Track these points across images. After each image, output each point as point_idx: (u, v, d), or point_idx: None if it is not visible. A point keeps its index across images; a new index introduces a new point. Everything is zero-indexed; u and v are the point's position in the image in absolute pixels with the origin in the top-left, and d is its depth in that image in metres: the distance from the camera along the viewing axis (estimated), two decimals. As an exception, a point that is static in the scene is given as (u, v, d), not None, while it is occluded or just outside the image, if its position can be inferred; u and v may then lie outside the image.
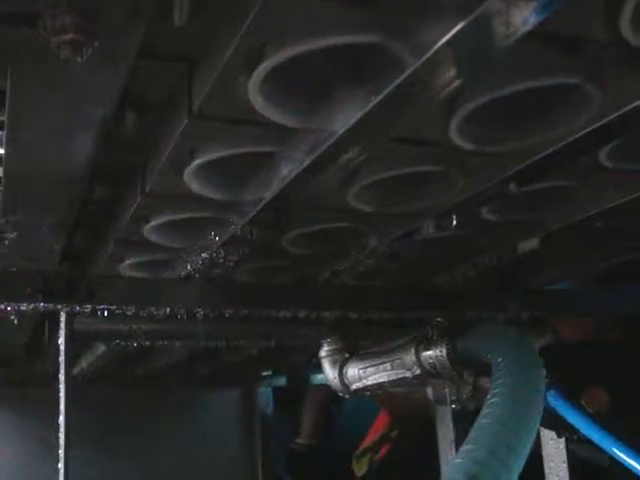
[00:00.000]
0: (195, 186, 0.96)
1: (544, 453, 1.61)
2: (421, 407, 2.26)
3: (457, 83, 0.70)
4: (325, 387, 3.01)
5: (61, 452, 1.30)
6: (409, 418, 2.70)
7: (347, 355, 1.50)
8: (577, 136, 0.84)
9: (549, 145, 0.87)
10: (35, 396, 2.51)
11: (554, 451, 1.65)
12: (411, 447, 2.72)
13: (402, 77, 0.69)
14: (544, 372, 1.03)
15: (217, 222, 1.08)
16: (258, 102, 0.74)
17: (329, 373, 1.53)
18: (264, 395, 3.15)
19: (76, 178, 1.00)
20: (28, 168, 0.96)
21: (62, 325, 1.29)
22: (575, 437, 1.26)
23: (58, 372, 1.35)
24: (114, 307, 1.26)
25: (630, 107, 0.76)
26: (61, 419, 1.30)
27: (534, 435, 0.92)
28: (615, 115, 0.79)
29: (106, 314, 1.27)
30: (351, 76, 0.74)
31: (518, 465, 0.86)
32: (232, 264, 1.18)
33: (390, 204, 1.08)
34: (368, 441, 2.96)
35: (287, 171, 0.89)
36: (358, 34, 0.66)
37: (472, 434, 0.90)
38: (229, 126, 0.80)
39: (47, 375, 2.03)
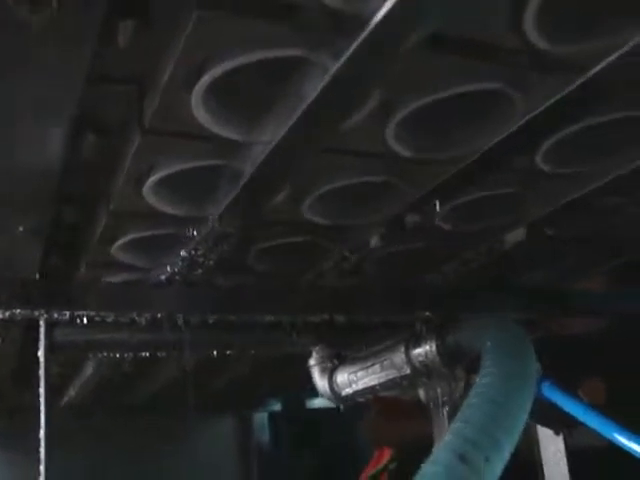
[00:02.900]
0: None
1: (543, 456, 1.56)
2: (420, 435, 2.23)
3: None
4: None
5: (42, 467, 1.25)
6: (409, 449, 2.66)
7: (336, 362, 1.47)
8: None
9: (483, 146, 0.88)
10: (22, 427, 2.45)
11: (552, 456, 1.61)
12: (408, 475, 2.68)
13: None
14: (535, 356, 0.99)
15: (193, 219, 1.05)
16: (202, 116, 0.78)
17: (318, 381, 1.49)
18: (259, 421, 3.08)
19: (50, 173, 0.98)
20: (3, 167, 0.94)
21: (42, 335, 1.25)
22: (573, 433, 1.21)
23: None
24: (93, 314, 1.22)
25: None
26: (41, 433, 1.25)
27: (526, 414, 0.88)
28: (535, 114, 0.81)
29: (85, 321, 1.23)
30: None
31: (510, 443, 0.82)
32: (212, 262, 1.15)
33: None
34: (368, 472, 2.92)
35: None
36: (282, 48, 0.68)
37: (462, 412, 0.87)
38: (179, 141, 0.84)
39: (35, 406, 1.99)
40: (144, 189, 0.95)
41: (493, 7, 0.66)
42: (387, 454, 2.91)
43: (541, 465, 1.60)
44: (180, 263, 1.17)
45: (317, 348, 1.50)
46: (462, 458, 0.77)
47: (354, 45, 0.64)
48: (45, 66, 0.75)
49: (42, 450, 1.25)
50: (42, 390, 1.29)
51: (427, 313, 1.28)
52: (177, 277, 1.23)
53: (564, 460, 1.45)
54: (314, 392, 2.60)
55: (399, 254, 1.25)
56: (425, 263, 1.34)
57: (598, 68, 0.74)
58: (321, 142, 0.84)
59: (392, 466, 2.88)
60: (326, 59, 0.68)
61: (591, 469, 1.52)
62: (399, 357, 1.26)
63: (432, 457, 0.80)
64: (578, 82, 0.77)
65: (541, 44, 0.70)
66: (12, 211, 1.07)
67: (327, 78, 0.69)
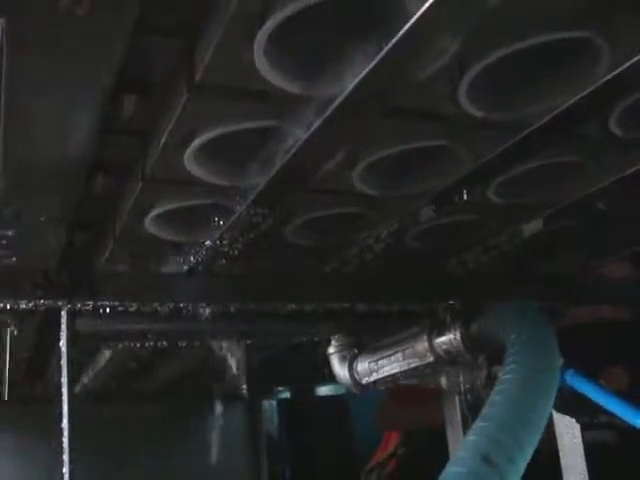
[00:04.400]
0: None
1: (560, 446, 1.56)
2: (430, 421, 2.24)
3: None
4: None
5: (65, 457, 1.25)
6: (418, 434, 2.67)
7: (356, 351, 1.47)
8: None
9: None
10: (36, 416, 2.46)
11: (569, 447, 1.61)
12: (418, 462, 2.70)
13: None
14: (558, 349, 0.99)
15: (220, 207, 1.05)
16: (195, 170, 0.93)
17: (338, 370, 1.49)
18: (269, 409, 3.09)
19: (76, 164, 0.98)
20: (27, 153, 0.94)
21: (63, 325, 1.25)
22: (595, 421, 1.22)
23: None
24: (116, 303, 1.22)
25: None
26: (64, 423, 1.25)
27: (550, 410, 0.89)
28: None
29: (108, 311, 1.23)
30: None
31: (533, 441, 0.83)
32: (237, 252, 1.15)
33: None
34: (377, 458, 2.93)
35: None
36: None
37: (485, 410, 0.87)
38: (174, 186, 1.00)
39: (48, 395, 1.99)
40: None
41: (433, 86, 0.81)
42: (394, 439, 2.91)
43: (557, 456, 1.60)
44: (204, 253, 1.17)
45: (336, 336, 1.50)
46: (486, 459, 0.77)
47: (318, 121, 0.80)
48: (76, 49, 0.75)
49: (65, 441, 1.25)
50: (64, 380, 1.29)
51: (450, 302, 1.27)
52: (200, 267, 1.23)
53: (581, 452, 1.46)
54: (323, 380, 2.59)
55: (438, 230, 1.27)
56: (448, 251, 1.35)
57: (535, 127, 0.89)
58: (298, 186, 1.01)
59: (400, 452, 2.89)
60: (296, 128, 0.83)
61: (607, 462, 1.53)
62: (422, 345, 1.27)
63: (455, 458, 0.80)
64: (517, 138, 0.92)
65: (477, 113, 0.85)
66: (37, 200, 1.07)
67: (298, 144, 0.85)
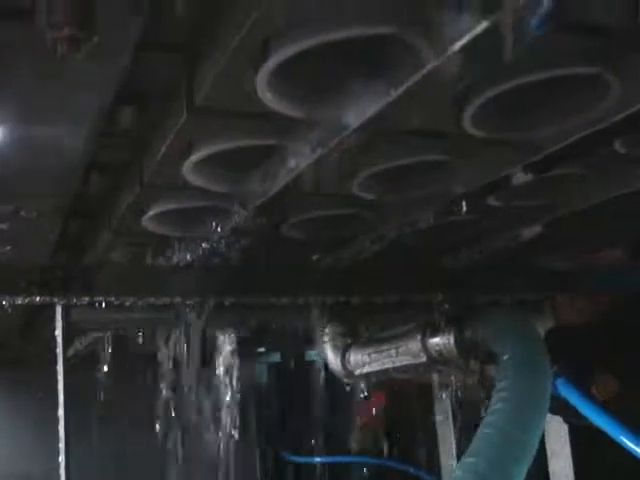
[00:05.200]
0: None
1: (546, 433, 1.60)
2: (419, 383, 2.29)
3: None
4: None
5: (61, 445, 1.27)
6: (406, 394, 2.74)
7: (349, 340, 1.48)
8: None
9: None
10: (28, 378, 2.48)
11: (556, 431, 1.64)
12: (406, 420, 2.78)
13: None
14: (551, 371, 1.00)
15: (218, 212, 1.05)
16: (193, 179, 0.92)
17: (331, 358, 1.50)
18: (260, 372, 3.13)
19: (72, 167, 0.97)
20: (24, 156, 0.93)
21: (58, 317, 1.25)
22: (582, 423, 1.24)
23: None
24: (112, 298, 1.22)
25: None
26: (60, 412, 1.27)
27: (538, 441, 0.90)
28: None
29: (103, 305, 1.23)
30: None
31: (520, 475, 0.84)
32: (233, 253, 1.15)
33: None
34: (365, 419, 2.99)
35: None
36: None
37: (474, 444, 0.88)
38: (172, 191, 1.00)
39: (40, 357, 2.00)
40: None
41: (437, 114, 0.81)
42: (380, 400, 2.98)
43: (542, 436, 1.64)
44: (200, 252, 1.16)
45: (330, 325, 1.51)
46: None
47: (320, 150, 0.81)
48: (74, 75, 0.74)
49: (61, 430, 1.27)
50: (60, 369, 1.30)
51: (441, 295, 1.28)
52: (195, 263, 1.22)
53: (567, 439, 1.49)
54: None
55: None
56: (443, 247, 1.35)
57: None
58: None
59: (391, 410, 2.96)
60: (300, 146, 0.83)
61: (591, 442, 1.56)
62: (415, 344, 1.27)
63: None
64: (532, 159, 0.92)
65: (479, 134, 0.84)
66: (33, 198, 1.07)
67: (300, 167, 0.86)
